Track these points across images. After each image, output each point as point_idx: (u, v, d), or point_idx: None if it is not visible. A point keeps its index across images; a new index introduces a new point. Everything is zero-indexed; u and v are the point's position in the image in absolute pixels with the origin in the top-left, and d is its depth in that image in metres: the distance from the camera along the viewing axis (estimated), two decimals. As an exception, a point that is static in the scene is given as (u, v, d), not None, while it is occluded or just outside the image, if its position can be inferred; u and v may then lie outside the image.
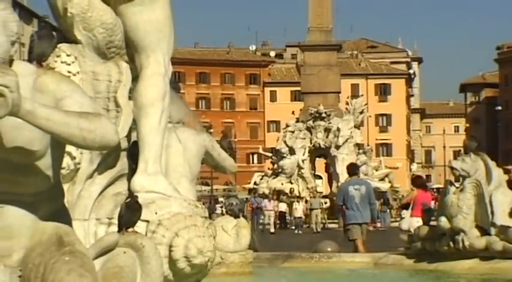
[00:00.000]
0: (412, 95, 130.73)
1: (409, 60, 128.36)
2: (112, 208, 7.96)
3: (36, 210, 4.66)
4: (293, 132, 54.48)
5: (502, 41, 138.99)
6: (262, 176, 55.69)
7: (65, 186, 5.68)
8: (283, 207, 47.67)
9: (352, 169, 20.36)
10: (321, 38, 55.44)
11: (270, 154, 60.26)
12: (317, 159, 55.84)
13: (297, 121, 55.32)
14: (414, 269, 14.55)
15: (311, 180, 52.99)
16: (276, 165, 54.45)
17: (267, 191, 51.11)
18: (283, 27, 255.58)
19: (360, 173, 20.14)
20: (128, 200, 6.44)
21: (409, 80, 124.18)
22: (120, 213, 6.07)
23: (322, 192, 54.22)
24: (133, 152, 8.36)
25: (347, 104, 57.38)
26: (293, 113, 58.19)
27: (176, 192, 8.75)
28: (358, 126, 55.56)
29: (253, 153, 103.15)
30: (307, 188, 51.53)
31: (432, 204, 19.97)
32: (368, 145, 61.40)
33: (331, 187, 52.76)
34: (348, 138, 53.29)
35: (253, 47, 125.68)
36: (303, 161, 53.03)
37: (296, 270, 14.95)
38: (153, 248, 4.98)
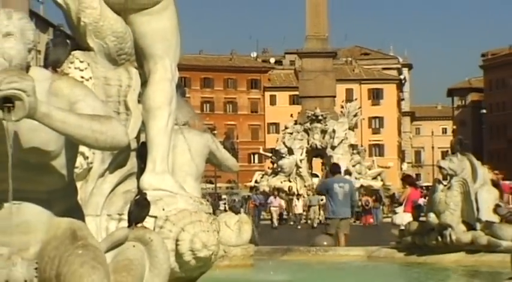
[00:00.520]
0: (403, 99, 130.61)
1: (400, 66, 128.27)
2: (122, 205, 7.95)
3: (52, 207, 4.65)
4: (291, 133, 54.50)
5: (487, 49, 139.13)
6: (263, 175, 55.71)
7: (78, 184, 5.68)
8: (282, 203, 47.68)
9: (335, 168, 20.53)
10: (317, 46, 55.45)
11: (269, 154, 60.27)
12: (314, 159, 55.81)
13: (295, 123, 55.31)
14: (405, 261, 14.54)
15: (308, 179, 52.98)
16: (275, 165, 54.48)
17: (267, 189, 51.14)
18: (282, 35, 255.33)
19: (342, 172, 20.66)
20: (137, 197, 6.44)
21: (400, 85, 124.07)
22: (130, 210, 6.07)
23: (318, 190, 54.11)
24: (142, 152, 8.36)
25: (342, 107, 57.41)
26: (291, 115, 58.18)
27: (182, 190, 8.74)
28: (352, 128, 55.57)
29: (254, 154, 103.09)
30: (305, 186, 51.52)
31: (422, 201, 19.95)
32: (362, 146, 61.37)
33: (327, 185, 52.64)
34: (342, 140, 53.30)
35: (254, 54, 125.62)
36: (300, 160, 53.06)
37: (295, 262, 14.95)
38: (161, 242, 4.98)
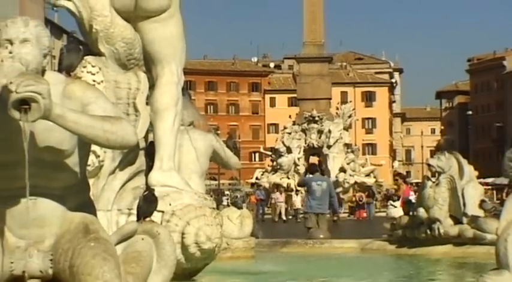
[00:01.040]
0: (394, 101, 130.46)
1: (391, 70, 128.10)
2: (131, 200, 7.96)
3: (66, 202, 4.65)
4: (290, 133, 54.47)
5: (473, 54, 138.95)
6: (263, 172, 55.67)
7: (91, 181, 5.68)
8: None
9: (313, 168, 21.09)
10: (314, 51, 55.43)
11: (269, 153, 60.21)
12: (311, 157, 55.68)
13: (294, 124, 55.29)
14: (396, 253, 14.54)
15: (306, 176, 52.91)
16: (275, 163, 54.45)
17: (267, 185, 51.11)
18: (281, 41, 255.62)
19: (319, 170, 21.01)
20: (146, 193, 6.43)
21: (392, 88, 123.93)
22: (139, 205, 6.06)
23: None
24: (150, 151, 8.36)
25: (337, 109, 57.33)
26: (290, 116, 58.20)
27: (188, 186, 8.75)
28: (346, 129, 55.51)
29: (255, 152, 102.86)
30: (302, 183, 51.42)
31: (413, 196, 19.96)
32: (355, 145, 61.22)
33: (323, 182, 52.58)
34: (338, 139, 53.26)
35: (255, 59, 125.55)
36: (298, 159, 53.04)
37: (293, 254, 14.94)
38: (168, 235, 4.97)
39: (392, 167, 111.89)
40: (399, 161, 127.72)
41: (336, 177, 50.83)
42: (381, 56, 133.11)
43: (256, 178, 54.92)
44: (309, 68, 55.56)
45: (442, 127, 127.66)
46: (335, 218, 29.11)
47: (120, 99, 8.25)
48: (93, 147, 5.05)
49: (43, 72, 4.67)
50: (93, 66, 8.23)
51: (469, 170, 14.48)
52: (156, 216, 7.04)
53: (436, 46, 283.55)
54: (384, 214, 35.68)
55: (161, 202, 7.24)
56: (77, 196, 4.74)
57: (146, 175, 8.27)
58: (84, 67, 8.20)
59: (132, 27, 8.40)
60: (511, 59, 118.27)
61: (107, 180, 7.95)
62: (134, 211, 6.71)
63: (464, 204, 13.98)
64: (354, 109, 60.47)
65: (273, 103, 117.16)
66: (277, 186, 50.04)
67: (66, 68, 8.02)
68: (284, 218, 43.71)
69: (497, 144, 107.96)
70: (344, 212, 46.46)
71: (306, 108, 54.45)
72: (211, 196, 11.06)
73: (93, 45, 8.34)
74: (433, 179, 14.41)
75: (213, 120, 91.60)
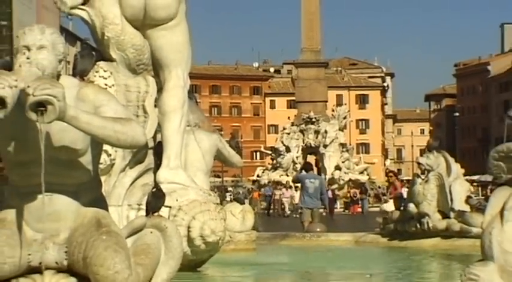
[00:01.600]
0: (386, 104, 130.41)
1: (383, 75, 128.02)
2: (141, 196, 7.96)
3: (79, 198, 4.65)
4: (289, 133, 54.47)
5: (459, 60, 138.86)
6: (264, 170, 55.69)
7: (103, 178, 5.67)
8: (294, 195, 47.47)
9: (308, 166, 21.16)
10: (311, 57, 55.42)
11: (270, 152, 60.17)
12: (308, 156, 55.67)
13: (292, 125, 55.30)
14: (388, 246, 14.54)
15: (303, 173, 52.84)
16: (275, 161, 54.45)
17: (267, 182, 51.13)
18: (280, 48, 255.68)
19: (313, 169, 21.23)
20: (154, 189, 6.43)
21: (384, 91, 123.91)
22: (147, 200, 6.06)
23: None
24: (158, 150, 8.36)
25: (333, 111, 57.35)
26: (289, 118, 58.19)
27: (193, 183, 8.75)
28: (342, 129, 55.52)
29: (256, 151, 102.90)
30: (301, 180, 51.37)
31: (404, 192, 19.94)
32: (350, 144, 61.14)
33: (320, 179, 52.58)
34: (333, 139, 53.29)
35: (256, 64, 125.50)
36: (296, 157, 53.03)
37: (292, 246, 14.93)
38: (175, 229, 4.96)
39: (385, 165, 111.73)
40: (391, 159, 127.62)
41: (332, 174, 50.91)
42: (373, 61, 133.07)
43: (257, 175, 54.96)
44: (306, 72, 55.56)
45: (431, 128, 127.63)
46: (324, 213, 29.34)
47: (130, 101, 8.25)
48: (105, 147, 5.05)
49: (58, 76, 4.67)
50: (105, 71, 8.23)
51: (456, 168, 14.47)
52: (163, 211, 7.04)
53: (425, 52, 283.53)
54: (377, 209, 35.69)
55: (168, 198, 7.24)
56: (90, 192, 4.74)
57: (154, 173, 8.27)
58: (97, 72, 8.21)
59: (141, 35, 8.40)
60: (495, 64, 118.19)
61: (118, 177, 7.95)
62: (143, 206, 6.71)
63: (451, 200, 13.98)
64: (348, 111, 60.51)
65: (273, 105, 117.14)
66: (276, 183, 50.04)
67: (80, 73, 8.02)
68: (288, 212, 43.69)
69: (482, 144, 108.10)
70: (339, 207, 46.48)
71: (304, 110, 54.46)
72: (215, 192, 11.05)
73: (105, 52, 8.34)
74: (423, 176, 14.40)
75: (217, 122, 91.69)
